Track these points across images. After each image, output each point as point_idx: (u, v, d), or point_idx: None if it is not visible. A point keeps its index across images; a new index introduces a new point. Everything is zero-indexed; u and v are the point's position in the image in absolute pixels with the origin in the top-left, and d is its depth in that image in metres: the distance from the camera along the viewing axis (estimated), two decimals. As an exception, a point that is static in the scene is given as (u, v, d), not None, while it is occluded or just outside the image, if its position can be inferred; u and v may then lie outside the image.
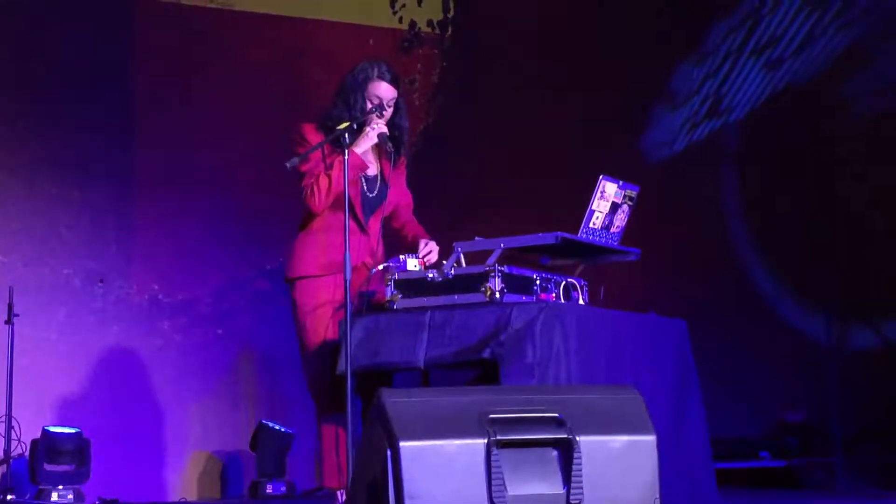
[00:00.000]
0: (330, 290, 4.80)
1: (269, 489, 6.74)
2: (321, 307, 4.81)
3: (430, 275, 4.51)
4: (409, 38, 8.14)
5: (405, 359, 4.44)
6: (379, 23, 8.03)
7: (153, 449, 7.05)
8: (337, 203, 4.77)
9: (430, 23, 8.21)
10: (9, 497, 5.99)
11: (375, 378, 4.62)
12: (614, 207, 4.67)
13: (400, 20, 8.11)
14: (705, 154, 7.63)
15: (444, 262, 4.53)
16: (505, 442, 3.18)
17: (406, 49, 8.10)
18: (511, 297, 4.40)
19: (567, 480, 3.21)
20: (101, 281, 7.10)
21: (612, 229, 4.72)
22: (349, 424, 4.31)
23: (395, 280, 4.57)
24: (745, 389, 7.25)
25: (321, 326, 4.80)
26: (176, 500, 6.95)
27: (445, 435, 3.16)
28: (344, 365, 4.41)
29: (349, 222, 4.69)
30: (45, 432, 6.31)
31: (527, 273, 4.54)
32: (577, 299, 4.68)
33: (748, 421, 7.20)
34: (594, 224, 4.60)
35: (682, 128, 7.69)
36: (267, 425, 6.87)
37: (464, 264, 4.54)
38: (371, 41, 7.96)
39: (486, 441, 3.16)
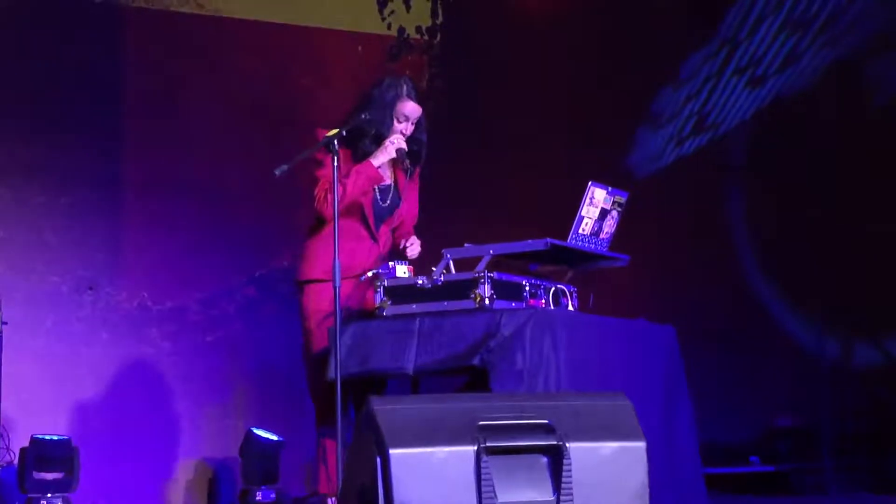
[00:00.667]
0: (333, 294, 4.79)
1: (258, 496, 6.73)
2: (324, 311, 4.83)
3: (420, 281, 4.52)
4: (397, 45, 8.14)
5: (394, 366, 4.44)
6: (368, 29, 8.03)
7: (143, 457, 7.03)
8: (351, 210, 4.81)
9: (418, 29, 8.21)
10: (-3, 506, 5.98)
11: (371, 385, 4.63)
12: (603, 213, 4.67)
13: (389, 27, 8.11)
14: (695, 166, 7.66)
15: (434, 268, 4.53)
16: (495, 449, 3.18)
17: (395, 55, 8.10)
18: (500, 304, 4.41)
19: (557, 487, 3.21)
20: (90, 288, 7.08)
21: (602, 235, 4.73)
22: (339, 431, 4.31)
23: (384, 287, 4.58)
24: (735, 395, 7.25)
25: (324, 332, 4.80)
26: (165, 507, 6.95)
27: (435, 442, 3.16)
28: (333, 372, 4.41)
29: (361, 229, 4.72)
30: (33, 440, 6.29)
31: (516, 279, 4.55)
32: (567, 305, 4.68)
33: (738, 426, 7.20)
34: (583, 230, 4.61)
35: (667, 144, 7.75)
36: (254, 433, 6.86)
37: (453, 271, 4.54)
38: (360, 48, 7.96)
39: (475, 448, 3.16)
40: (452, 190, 7.76)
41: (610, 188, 4.66)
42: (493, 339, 4.26)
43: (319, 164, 4.82)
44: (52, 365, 6.90)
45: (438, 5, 8.25)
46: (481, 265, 4.44)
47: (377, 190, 4.93)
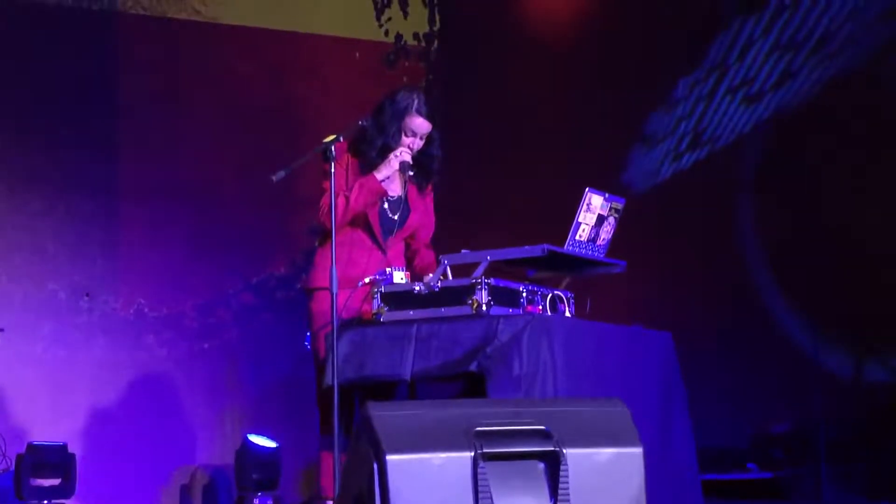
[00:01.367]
0: (340, 302, 4.79)
1: (255, 503, 6.73)
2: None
3: (417, 287, 4.51)
4: (394, 51, 8.15)
5: (391, 372, 4.44)
6: (364, 35, 8.04)
7: (139, 463, 7.03)
8: (357, 221, 4.83)
9: (416, 35, 8.22)
10: (-6, 512, 5.98)
11: (378, 392, 4.62)
12: (600, 220, 4.67)
13: (386, 33, 8.12)
14: (694, 178, 7.69)
15: (431, 274, 4.53)
16: (491, 455, 3.18)
17: (392, 62, 8.11)
18: (498, 310, 4.40)
19: (554, 493, 3.21)
20: (87, 295, 7.08)
21: (599, 242, 4.73)
22: (336, 438, 4.32)
23: (381, 293, 4.57)
24: (732, 401, 7.24)
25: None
26: (162, 514, 6.94)
27: (432, 448, 3.16)
28: (330, 378, 4.41)
29: (367, 240, 4.71)
30: (30, 446, 6.29)
31: (513, 285, 4.54)
32: (564, 312, 4.68)
33: (735, 432, 7.19)
34: (580, 236, 4.61)
35: (663, 160, 7.80)
36: (249, 440, 6.85)
37: (450, 277, 4.53)
38: (357, 54, 7.97)
39: (472, 454, 3.16)
40: (450, 196, 7.75)
41: (607, 194, 4.66)
42: (490, 346, 4.25)
43: (327, 174, 4.81)
44: (49, 371, 6.90)
45: (436, 12, 8.26)
46: (478, 271, 4.43)
47: (386, 201, 4.93)
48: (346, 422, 4.47)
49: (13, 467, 6.29)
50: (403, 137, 4.87)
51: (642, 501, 3.29)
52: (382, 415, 3.20)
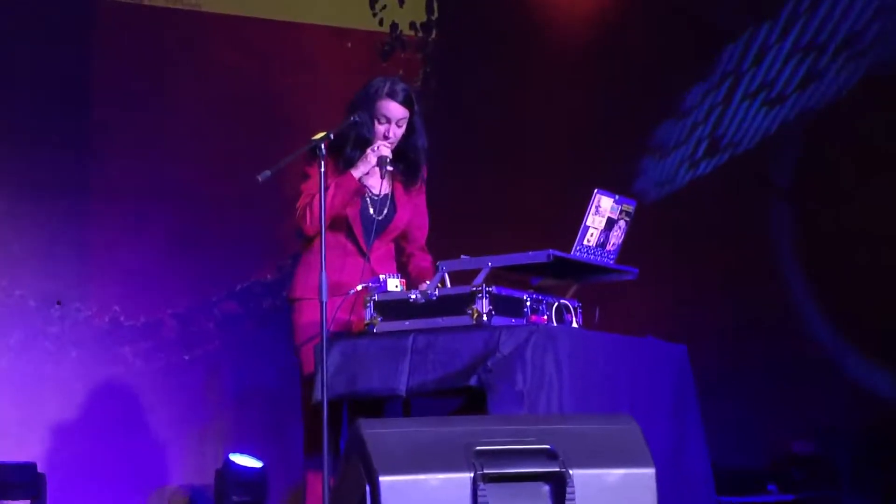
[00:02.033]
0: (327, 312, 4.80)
1: (238, 524, 6.73)
2: (317, 330, 4.79)
3: (413, 296, 4.51)
4: (389, 42, 8.15)
5: (385, 386, 4.43)
6: (357, 24, 8.04)
7: (114, 484, 7.02)
8: (336, 224, 4.81)
9: (412, 25, 8.22)
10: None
11: (369, 409, 4.64)
12: (610, 223, 4.67)
13: (380, 22, 8.12)
14: (711, 184, 7.76)
15: (427, 282, 4.53)
16: (493, 476, 3.18)
17: (386, 53, 8.11)
18: (499, 320, 4.41)
19: (559, 517, 3.21)
20: (58, 303, 7.08)
21: (608, 247, 4.73)
22: (325, 457, 4.31)
23: (374, 302, 4.57)
24: (751, 418, 7.27)
25: (312, 350, 4.79)
26: (138, 538, 6.94)
27: (428, 468, 3.16)
28: (319, 393, 4.40)
29: (348, 244, 4.70)
30: (-3, 466, 6.29)
31: (516, 294, 4.54)
32: (571, 322, 4.68)
33: (754, 452, 7.21)
34: (588, 241, 4.61)
35: (678, 168, 7.89)
36: (231, 460, 6.85)
37: (448, 285, 4.53)
38: (349, 44, 7.97)
39: (472, 475, 3.16)
40: (448, 198, 7.75)
41: (617, 196, 4.66)
42: (491, 358, 4.25)
43: (305, 176, 4.82)
44: (17, 385, 6.89)
45: (434, 0, 8.26)
46: (479, 278, 4.43)
47: (369, 201, 4.92)
48: (335, 440, 4.48)
49: (-21, 488, 6.29)
50: (377, 126, 4.84)
51: (654, 526, 3.29)
52: (375, 433, 3.20)
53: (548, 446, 3.26)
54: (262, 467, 6.91)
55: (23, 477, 6.29)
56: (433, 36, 8.28)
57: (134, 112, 7.32)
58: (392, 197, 4.98)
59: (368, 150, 4.84)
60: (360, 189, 4.87)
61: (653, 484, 3.30)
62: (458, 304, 4.43)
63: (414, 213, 5.03)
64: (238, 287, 7.46)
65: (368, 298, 4.58)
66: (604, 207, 4.63)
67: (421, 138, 4.98)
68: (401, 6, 8.19)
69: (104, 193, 7.24)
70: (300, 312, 4.88)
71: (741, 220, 7.61)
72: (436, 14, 8.28)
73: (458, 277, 4.58)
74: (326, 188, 4.74)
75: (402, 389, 4.41)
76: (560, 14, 8.18)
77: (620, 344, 4.68)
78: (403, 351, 4.43)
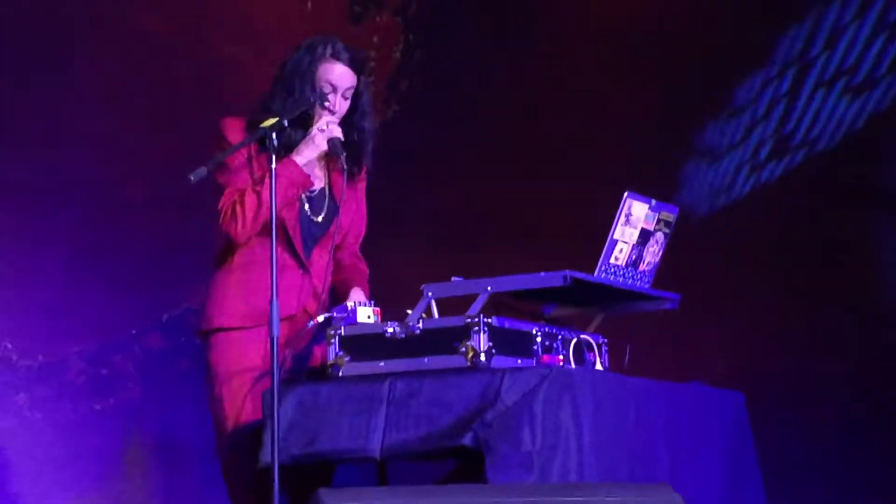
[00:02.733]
0: (256, 347, 4.82)
1: None
2: (243, 372, 4.83)
3: (390, 329, 4.52)
4: (361, 1, 8.14)
5: (354, 446, 4.43)
6: (320, -20, 8.06)
7: (4, 567, 7.02)
8: (266, 230, 4.76)
9: (391, -19, 8.23)
10: None
11: (314, 471, 4.63)
12: (645, 236, 4.68)
13: (350, -24, 8.14)
14: (784, 192, 7.85)
15: (409, 311, 4.52)
16: (493, 564, 3.17)
17: (358, 16, 8.11)
18: (502, 361, 4.40)
19: None
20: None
21: (642, 266, 4.73)
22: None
23: (340, 337, 4.57)
24: (819, 475, 7.35)
25: (239, 399, 4.82)
26: None
27: (410, 555, 3.14)
28: (269, 455, 4.39)
29: (284, 255, 4.69)
30: None
31: (524, 327, 4.54)
32: (594, 364, 4.68)
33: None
34: (617, 259, 4.61)
35: (736, 175, 7.98)
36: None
37: (436, 315, 4.53)
38: (309, 4, 7.97)
39: (466, 563, 3.15)
40: (434, 202, 7.75)
41: (654, 201, 4.67)
42: (490, 411, 4.24)
43: (222, 167, 4.77)
44: None
45: (420, -52, 8.27)
46: (475, 307, 4.43)
47: (306, 201, 4.92)
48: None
49: None
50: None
51: None
52: (340, 508, 3.19)
53: (564, 526, 3.24)
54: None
55: None
56: (418, -6, 8.28)
57: (26, 90, 7.30)
58: (330, 192, 4.98)
59: (314, 130, 4.84)
60: (307, 181, 4.87)
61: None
62: (448, 339, 4.43)
63: (355, 212, 5.04)
64: (165, 317, 7.45)
65: (333, 332, 4.57)
66: (636, 216, 4.63)
67: (367, 118, 5.01)
68: (376, -44, 8.20)
69: (-6, 199, 7.25)
70: (219, 349, 4.86)
71: (825, 235, 7.64)
72: (422, -34, 8.30)
73: (448, 305, 4.57)
74: (259, 182, 4.73)
75: (375, 450, 4.40)
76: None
77: (658, 391, 4.68)
78: (378, 400, 4.42)
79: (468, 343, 4.38)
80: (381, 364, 4.50)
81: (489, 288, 4.45)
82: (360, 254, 5.15)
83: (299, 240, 4.89)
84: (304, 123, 4.85)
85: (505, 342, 4.44)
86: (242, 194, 4.79)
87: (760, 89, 7.95)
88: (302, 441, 4.48)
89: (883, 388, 7.45)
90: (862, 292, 7.62)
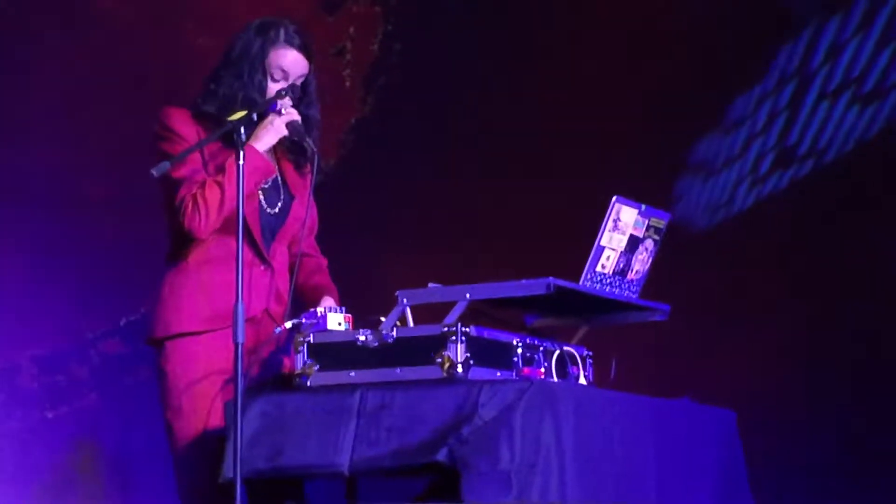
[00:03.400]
0: (217, 353, 4.81)
1: None
2: (203, 380, 4.82)
3: (362, 337, 4.50)
4: (337, -12, 8.15)
5: (322, 460, 4.40)
6: (293, -33, 8.05)
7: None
8: (224, 225, 4.76)
9: (369, -34, 8.23)
10: None
11: (279, 487, 4.64)
12: (633, 243, 4.67)
13: (325, -37, 8.14)
14: (789, 203, 7.94)
15: (382, 318, 4.50)
16: (466, 589, 3.14)
17: (334, 4, 8.10)
18: (480, 373, 4.39)
19: None
20: None
21: (630, 275, 4.72)
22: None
23: (309, 344, 4.55)
24: (816, 498, 7.38)
25: (202, 409, 4.80)
26: None
27: (378, 577, 3.11)
28: (232, 469, 4.38)
29: (245, 252, 4.63)
30: None
31: (504, 337, 4.53)
32: (577, 377, 4.68)
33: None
34: (604, 267, 4.60)
35: (735, 188, 8.08)
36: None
37: (411, 323, 4.53)
38: (283, -7, 7.98)
39: (438, 588, 3.12)
40: (410, 205, 7.73)
41: (643, 206, 4.66)
42: (467, 425, 4.22)
43: (171, 158, 4.73)
44: None
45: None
46: (453, 315, 4.41)
47: (260, 193, 4.89)
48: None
49: None
50: (270, 83, 4.87)
51: None
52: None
53: (544, 550, 3.21)
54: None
55: None
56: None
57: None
58: (284, 183, 4.98)
59: (272, 115, 4.82)
60: (270, 169, 4.87)
61: None
62: (423, 349, 4.41)
63: (308, 203, 5.02)
64: (123, 321, 7.43)
65: (301, 339, 4.55)
66: (625, 221, 4.63)
67: (315, 105, 5.01)
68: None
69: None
70: (179, 356, 4.82)
71: (833, 243, 7.67)
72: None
73: (423, 313, 4.55)
74: (221, 170, 4.70)
75: (344, 465, 4.37)
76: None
77: (645, 408, 4.68)
78: (348, 412, 4.40)
79: (444, 353, 4.36)
80: (352, 374, 4.48)
81: (468, 295, 4.43)
82: (316, 245, 5.16)
83: (259, 234, 4.87)
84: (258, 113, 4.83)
85: (483, 353, 4.43)
86: (203, 186, 4.76)
87: (757, 104, 8.06)
88: (267, 454, 4.45)
89: (881, 407, 7.47)
90: (867, 301, 7.64)
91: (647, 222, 4.69)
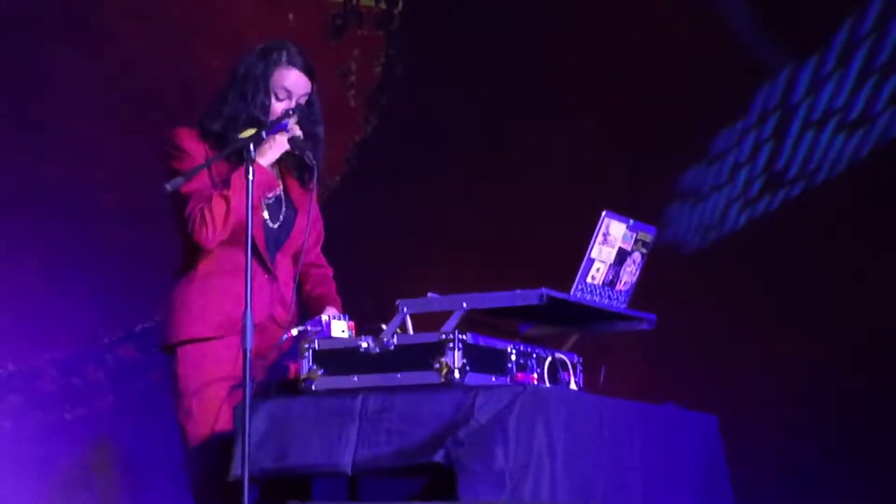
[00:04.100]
0: (225, 359, 4.82)
1: None
2: (213, 384, 4.83)
3: (364, 344, 4.50)
4: (342, 15, 8.14)
5: (326, 460, 4.42)
6: (301, -10, 8.07)
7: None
8: (231, 237, 4.78)
9: (373, -9, 8.24)
10: None
11: (286, 487, 4.61)
12: (622, 256, 4.67)
13: (331, -13, 8.15)
14: (781, 223, 7.95)
15: (384, 326, 4.52)
16: (461, 582, 3.16)
17: (339, 28, 8.10)
18: (475, 378, 4.40)
19: None
20: None
21: (619, 286, 4.73)
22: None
23: (314, 350, 4.55)
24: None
25: (211, 411, 4.81)
26: None
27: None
28: (240, 468, 4.39)
29: (246, 261, 4.67)
30: None
31: (498, 345, 4.54)
32: (568, 382, 4.68)
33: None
34: (594, 279, 4.60)
35: (725, 210, 8.10)
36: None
37: (411, 331, 4.53)
38: (291, 16, 7.97)
39: (434, 580, 3.14)
40: (410, 219, 7.74)
41: (632, 221, 4.66)
42: (463, 428, 4.23)
43: (176, 174, 4.74)
44: None
45: (402, -39, 8.27)
46: (450, 323, 4.42)
47: (264, 206, 4.91)
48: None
49: None
50: (274, 103, 4.88)
51: None
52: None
53: (534, 545, 3.23)
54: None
55: None
56: (399, 8, 8.26)
57: (4, 101, 7.29)
58: (287, 197, 4.99)
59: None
60: (273, 183, 4.87)
61: None
62: (422, 355, 4.42)
63: (313, 216, 5.03)
64: (138, 327, 7.42)
65: (306, 345, 4.56)
66: (614, 235, 4.63)
67: (319, 123, 5.00)
68: (358, -35, 8.20)
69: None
70: (189, 361, 4.85)
71: (824, 261, 7.66)
72: (404, -22, 8.30)
73: (423, 321, 4.56)
74: (227, 184, 4.72)
75: (347, 465, 4.38)
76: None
77: (632, 412, 4.67)
78: (350, 415, 4.41)
79: (442, 359, 4.37)
80: (355, 379, 4.49)
81: (465, 304, 4.44)
82: (322, 255, 5.16)
83: (263, 246, 4.89)
84: (253, 128, 4.83)
85: (479, 359, 4.44)
86: (210, 200, 4.77)
87: (739, 138, 8.07)
88: (273, 455, 4.46)
89: (864, 423, 7.46)
90: (857, 319, 7.63)
91: (634, 236, 4.69)
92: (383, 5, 8.26)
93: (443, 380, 4.37)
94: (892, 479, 7.28)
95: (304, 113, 4.91)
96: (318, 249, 5.16)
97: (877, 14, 7.85)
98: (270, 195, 4.92)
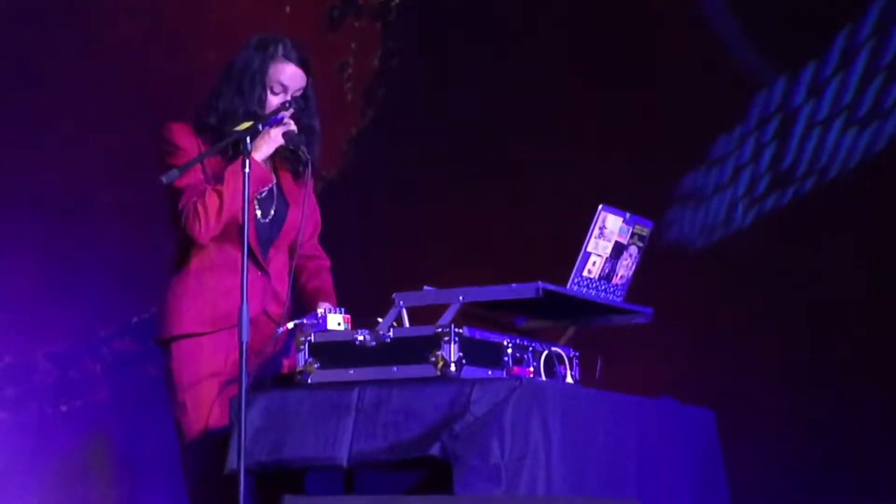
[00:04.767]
0: (219, 353, 4.83)
1: None
2: (207, 378, 4.83)
3: (360, 337, 4.50)
4: (340, 7, 8.12)
5: (321, 453, 4.41)
6: (298, -18, 8.05)
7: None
8: (224, 232, 4.78)
9: (370, -17, 8.23)
10: None
11: (281, 480, 4.60)
12: (618, 249, 4.68)
13: (328, -22, 8.13)
14: (790, 220, 7.88)
15: (380, 319, 4.51)
16: (457, 576, 3.14)
17: (336, 21, 8.09)
18: (472, 371, 4.40)
19: None
20: None
21: (615, 280, 4.73)
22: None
23: (310, 343, 4.55)
24: (792, 499, 7.35)
25: (205, 406, 4.81)
26: None
27: (373, 564, 3.12)
28: (236, 461, 4.38)
29: (240, 256, 4.66)
30: None
31: (494, 338, 4.54)
32: (564, 376, 4.68)
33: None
34: (590, 272, 4.60)
35: (729, 210, 8.04)
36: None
37: (407, 324, 4.53)
38: (287, 9, 7.95)
39: (430, 574, 3.13)
40: (407, 213, 7.73)
41: (628, 215, 4.67)
42: (459, 421, 4.23)
43: (169, 167, 4.73)
44: None
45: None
46: (446, 317, 4.42)
47: (255, 201, 4.90)
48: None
49: None
50: (270, 97, 4.87)
51: None
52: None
53: (530, 538, 3.22)
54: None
55: None
56: (397, 0, 8.24)
57: (5, 100, 7.27)
58: (280, 191, 4.98)
59: (269, 126, 4.82)
60: (267, 177, 4.87)
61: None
62: (418, 349, 4.42)
63: (308, 209, 5.00)
64: (134, 320, 7.42)
65: (302, 339, 4.56)
66: (610, 229, 4.64)
67: (314, 116, 5.00)
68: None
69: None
70: (182, 356, 4.84)
71: (826, 257, 7.64)
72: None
73: (419, 315, 4.56)
74: (220, 179, 4.71)
75: (342, 458, 4.38)
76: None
77: (628, 406, 4.69)
78: (346, 408, 4.40)
79: (438, 353, 4.37)
80: (351, 372, 4.49)
81: (461, 298, 4.44)
82: (319, 246, 5.16)
83: (255, 241, 4.87)
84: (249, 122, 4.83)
85: (475, 353, 4.44)
86: (203, 195, 4.76)
87: (740, 141, 7.99)
88: (269, 448, 4.46)
89: (864, 421, 7.45)
90: (859, 315, 7.62)
91: (631, 230, 4.70)
92: (382, -2, 8.25)
93: (439, 373, 4.37)
94: (893, 478, 7.27)
95: (300, 107, 4.90)
96: (315, 241, 5.15)
97: (874, 21, 7.77)
98: (263, 189, 4.91)
